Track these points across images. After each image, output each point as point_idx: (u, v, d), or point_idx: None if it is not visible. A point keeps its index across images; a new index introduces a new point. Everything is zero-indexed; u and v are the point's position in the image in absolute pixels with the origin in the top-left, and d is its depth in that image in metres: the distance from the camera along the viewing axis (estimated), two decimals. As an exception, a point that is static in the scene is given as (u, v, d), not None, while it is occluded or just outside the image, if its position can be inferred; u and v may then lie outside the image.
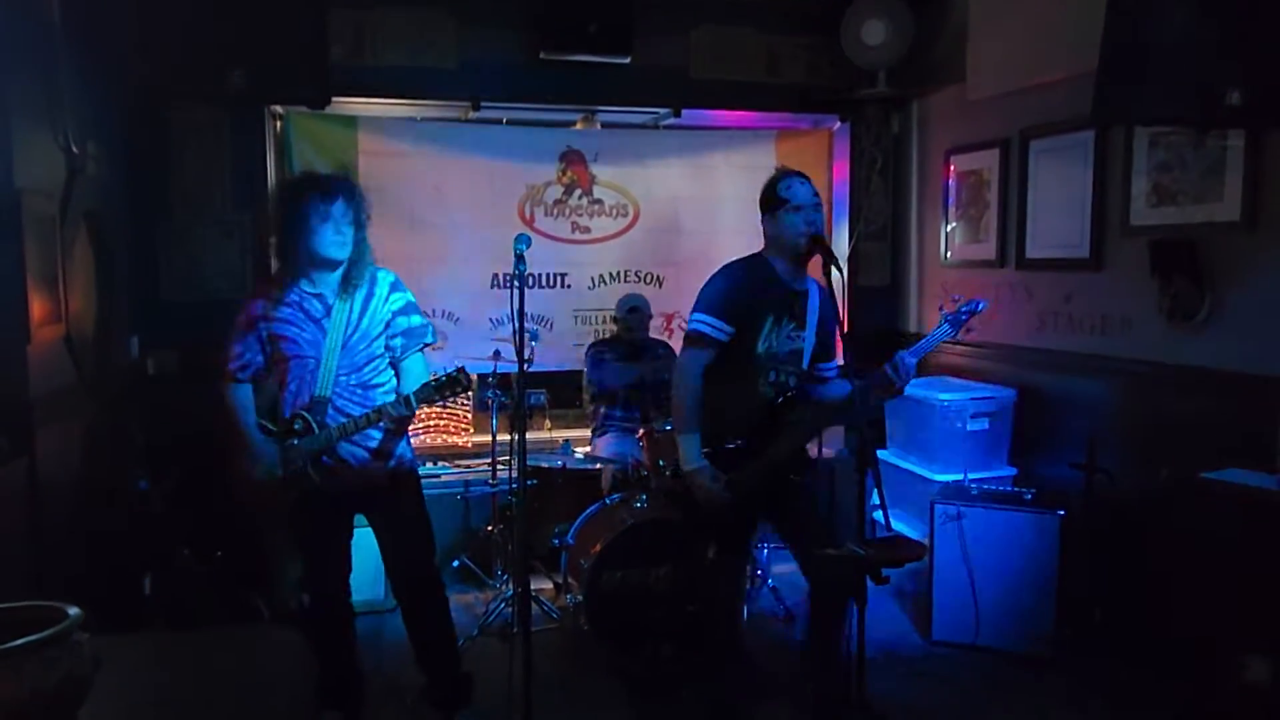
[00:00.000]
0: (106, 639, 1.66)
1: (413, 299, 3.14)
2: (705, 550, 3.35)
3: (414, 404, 2.94)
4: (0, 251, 2.91)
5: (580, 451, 4.68)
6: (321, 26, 3.46)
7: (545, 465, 4.31)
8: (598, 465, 4.41)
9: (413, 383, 3.02)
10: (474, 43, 4.78)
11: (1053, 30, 4.07)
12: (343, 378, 2.98)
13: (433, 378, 2.98)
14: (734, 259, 3.23)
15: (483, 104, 4.92)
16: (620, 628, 3.64)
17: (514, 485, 4.19)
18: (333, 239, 2.93)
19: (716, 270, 3.19)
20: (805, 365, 3.18)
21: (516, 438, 3.00)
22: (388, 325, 3.06)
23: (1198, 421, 3.55)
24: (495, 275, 5.05)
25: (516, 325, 2.90)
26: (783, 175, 3.17)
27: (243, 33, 3.25)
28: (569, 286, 5.22)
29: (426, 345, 3.15)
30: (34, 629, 1.40)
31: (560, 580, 4.18)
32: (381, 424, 2.98)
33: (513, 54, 4.82)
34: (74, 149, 3.43)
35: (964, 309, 3.00)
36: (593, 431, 4.82)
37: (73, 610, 1.48)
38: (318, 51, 3.42)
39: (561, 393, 5.17)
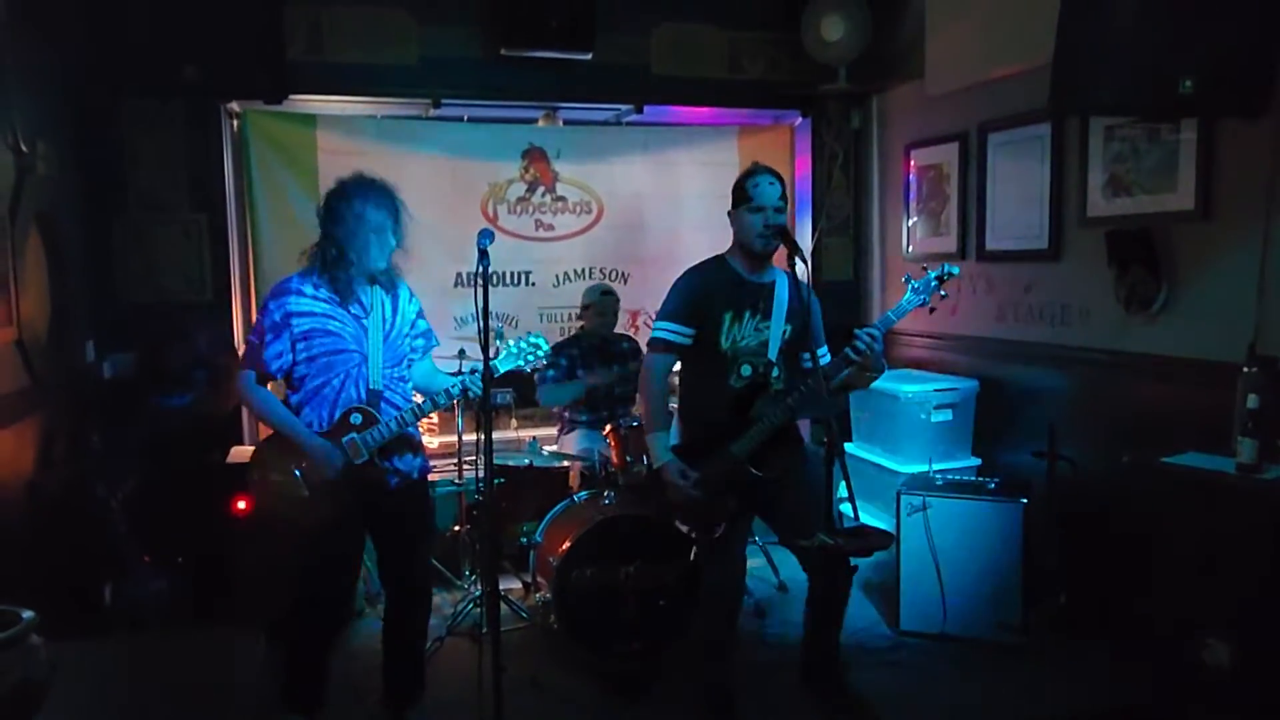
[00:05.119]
0: (65, 645, 1.63)
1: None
2: (690, 548, 3.35)
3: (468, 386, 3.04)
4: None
5: (547, 450, 4.65)
6: (277, 20, 3.41)
7: (512, 464, 4.28)
8: (565, 463, 4.39)
9: (427, 381, 3.18)
10: (434, 39, 4.74)
11: (1009, 24, 4.12)
12: (386, 371, 3.05)
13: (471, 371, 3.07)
14: (693, 264, 3.30)
15: (443, 101, 4.88)
16: (590, 625, 3.63)
17: (481, 484, 4.16)
18: (379, 252, 3.00)
19: (677, 277, 3.27)
20: (774, 355, 3.16)
21: (482, 437, 2.97)
22: (412, 325, 3.17)
23: (1156, 408, 3.61)
24: (459, 274, 5.01)
25: (481, 324, 2.84)
26: (753, 172, 3.16)
27: (196, 27, 3.20)
28: (533, 284, 5.19)
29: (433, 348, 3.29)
30: (-13, 634, 1.36)
31: (529, 579, 4.16)
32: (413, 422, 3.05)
33: (473, 50, 4.79)
34: (23, 148, 3.36)
35: (933, 274, 3.00)
36: (559, 430, 4.80)
37: (27, 614, 1.44)
38: (273, 45, 3.38)
39: (527, 391, 5.14)
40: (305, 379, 3.00)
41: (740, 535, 3.30)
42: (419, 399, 3.14)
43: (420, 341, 3.21)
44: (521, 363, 3.10)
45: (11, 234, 3.28)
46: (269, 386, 3.05)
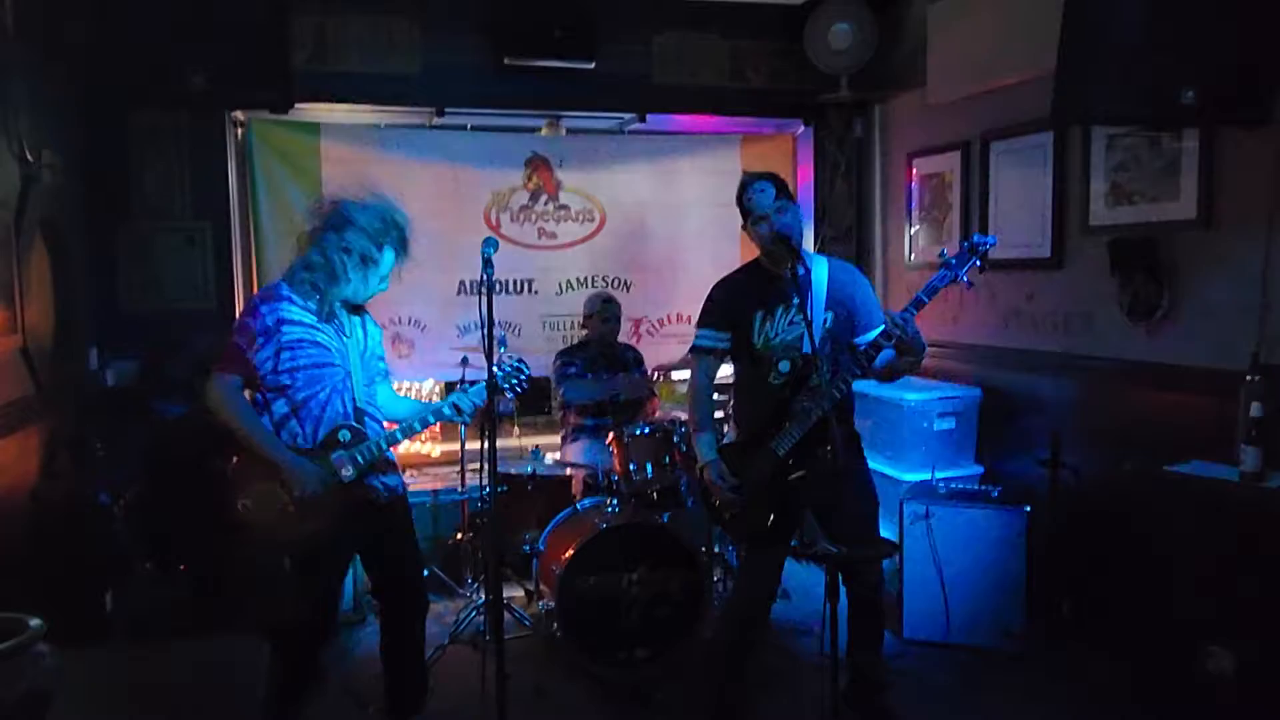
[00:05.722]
0: (66, 652, 1.62)
1: None
2: (693, 556, 3.33)
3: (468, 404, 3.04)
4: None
5: (550, 458, 4.66)
6: (283, 30, 3.41)
7: (515, 472, 4.28)
8: (568, 471, 4.39)
9: (391, 407, 3.17)
10: (438, 48, 4.76)
11: (1011, 34, 4.14)
12: (364, 389, 3.06)
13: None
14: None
15: (447, 110, 4.90)
16: (593, 633, 3.63)
17: (484, 492, 4.17)
18: (375, 288, 3.03)
19: None
20: (812, 347, 3.00)
21: (486, 445, 2.97)
22: (379, 345, 3.20)
23: (1159, 416, 3.61)
24: (462, 282, 5.02)
25: (485, 331, 2.85)
26: (745, 185, 3.18)
27: (203, 36, 3.19)
28: (536, 292, 5.20)
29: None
30: (-6, 641, 1.36)
31: (532, 587, 4.16)
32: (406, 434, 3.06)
33: (477, 59, 4.81)
34: (29, 157, 3.37)
35: (968, 244, 2.87)
36: (562, 438, 4.81)
37: (34, 621, 1.44)
38: (279, 55, 3.37)
39: (530, 399, 5.14)
40: (288, 390, 2.90)
41: (782, 541, 3.20)
42: (389, 426, 3.10)
43: (382, 365, 3.21)
44: (505, 387, 3.07)
45: (16, 242, 3.29)
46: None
